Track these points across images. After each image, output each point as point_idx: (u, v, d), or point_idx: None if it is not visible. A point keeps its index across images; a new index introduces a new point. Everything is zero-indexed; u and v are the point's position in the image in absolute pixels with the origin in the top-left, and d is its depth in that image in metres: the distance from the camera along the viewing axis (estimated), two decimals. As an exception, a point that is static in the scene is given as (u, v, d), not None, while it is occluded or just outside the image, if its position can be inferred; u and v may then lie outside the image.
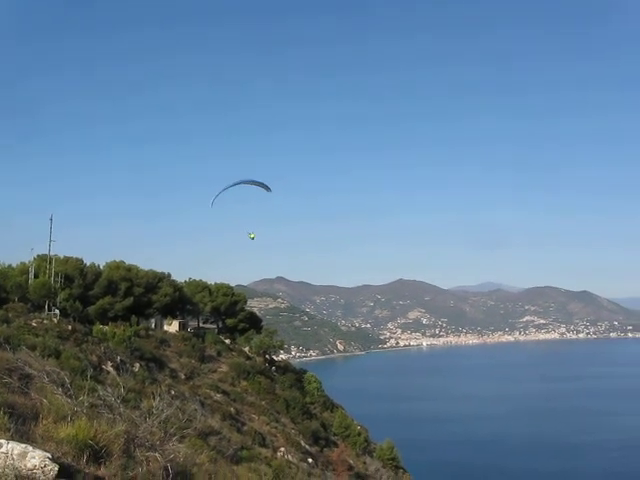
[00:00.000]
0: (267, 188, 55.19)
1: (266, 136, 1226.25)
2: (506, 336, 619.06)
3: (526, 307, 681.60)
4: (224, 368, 65.99)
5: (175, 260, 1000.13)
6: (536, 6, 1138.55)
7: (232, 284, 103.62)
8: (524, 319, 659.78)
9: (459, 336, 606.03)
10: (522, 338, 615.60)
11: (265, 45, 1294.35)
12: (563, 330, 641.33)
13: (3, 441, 9.94)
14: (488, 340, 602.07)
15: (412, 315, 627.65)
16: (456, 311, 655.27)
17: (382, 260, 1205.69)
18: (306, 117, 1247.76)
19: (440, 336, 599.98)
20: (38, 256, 67.23)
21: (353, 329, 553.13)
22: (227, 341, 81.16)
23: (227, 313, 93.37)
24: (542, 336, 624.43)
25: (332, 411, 75.29)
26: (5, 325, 39.16)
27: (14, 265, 67.16)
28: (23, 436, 11.10)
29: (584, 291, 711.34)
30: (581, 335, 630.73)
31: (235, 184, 53.45)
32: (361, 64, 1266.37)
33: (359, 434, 68.26)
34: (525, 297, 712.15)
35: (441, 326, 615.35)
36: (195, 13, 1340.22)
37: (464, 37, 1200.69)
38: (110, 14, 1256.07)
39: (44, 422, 12.16)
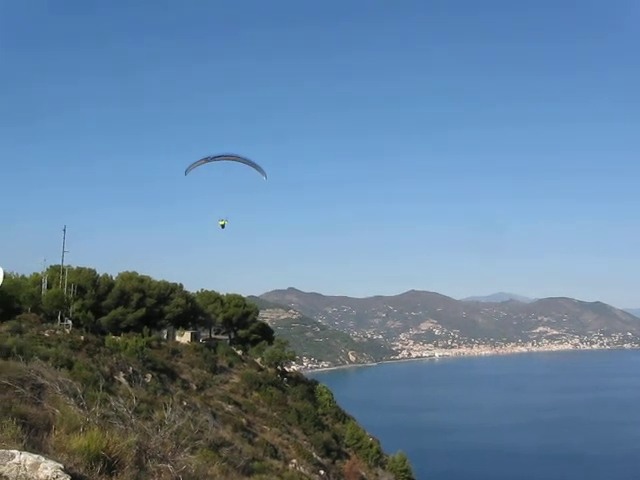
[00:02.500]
0: (263, 173, 49.54)
1: (278, 146, 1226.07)
2: (519, 347, 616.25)
3: (539, 318, 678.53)
4: (236, 379, 65.98)
5: (187, 271, 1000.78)
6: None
7: (244, 295, 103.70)
8: (537, 330, 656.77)
9: (471, 347, 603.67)
10: (535, 349, 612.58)
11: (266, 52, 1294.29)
12: (577, 341, 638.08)
13: (16, 452, 9.97)
14: (501, 351, 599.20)
15: (424, 326, 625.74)
16: (468, 322, 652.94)
17: (394, 271, 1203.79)
18: (315, 125, 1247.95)
19: (452, 347, 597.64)
20: (51, 267, 67.48)
21: (365, 340, 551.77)
22: (239, 352, 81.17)
23: (239, 324, 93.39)
24: (555, 347, 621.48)
25: (344, 422, 75.08)
26: (18, 335, 39.27)
27: (27, 276, 67.43)
28: (35, 447, 11.13)
29: (597, 302, 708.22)
30: (595, 346, 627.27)
31: (221, 157, 47.49)
32: (366, 71, 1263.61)
33: (371, 446, 68.04)
34: (538, 308, 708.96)
35: (453, 337, 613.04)
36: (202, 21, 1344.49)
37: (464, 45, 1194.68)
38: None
39: (56, 433, 12.19)
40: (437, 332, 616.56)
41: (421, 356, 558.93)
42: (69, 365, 33.64)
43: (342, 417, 77.70)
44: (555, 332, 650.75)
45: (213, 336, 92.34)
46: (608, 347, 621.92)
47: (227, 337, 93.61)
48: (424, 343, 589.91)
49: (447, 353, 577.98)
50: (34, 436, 11.71)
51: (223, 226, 48.41)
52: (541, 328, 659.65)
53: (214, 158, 46.91)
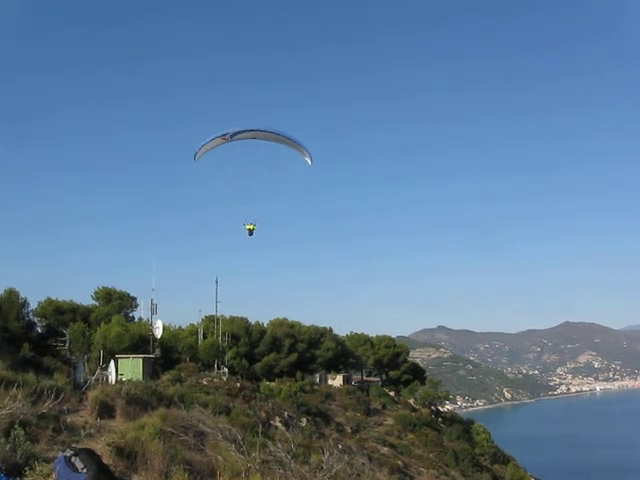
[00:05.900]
0: (306, 154, 37.48)
1: (422, 184, 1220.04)
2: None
3: None
4: (390, 421, 65.74)
5: (335, 314, 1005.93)
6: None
7: (393, 335, 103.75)
8: None
9: (636, 379, 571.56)
10: None
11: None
12: None
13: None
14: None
15: (582, 359, 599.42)
16: (630, 352, 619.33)
17: (547, 303, 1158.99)
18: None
19: (615, 380, 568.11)
20: (206, 317, 70.28)
21: (520, 376, 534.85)
22: (391, 393, 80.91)
23: (390, 365, 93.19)
24: None
25: (503, 463, 73.02)
26: (178, 384, 41.01)
27: (184, 327, 70.42)
28: (202, 493, 11.64)
29: None
30: None
31: (245, 132, 33.85)
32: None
33: (533, 486, 65.77)
34: None
35: (615, 369, 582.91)
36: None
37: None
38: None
39: (221, 479, 12.67)
40: (597, 364, 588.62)
41: (581, 390, 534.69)
42: (227, 411, 34.73)
43: (501, 457, 75.60)
44: None
45: (365, 378, 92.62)
46: None
47: (379, 379, 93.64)
48: (583, 377, 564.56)
49: (609, 386, 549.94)
50: (200, 482, 12.23)
51: (251, 233, 38.52)
52: None
53: (235, 135, 33.94)
